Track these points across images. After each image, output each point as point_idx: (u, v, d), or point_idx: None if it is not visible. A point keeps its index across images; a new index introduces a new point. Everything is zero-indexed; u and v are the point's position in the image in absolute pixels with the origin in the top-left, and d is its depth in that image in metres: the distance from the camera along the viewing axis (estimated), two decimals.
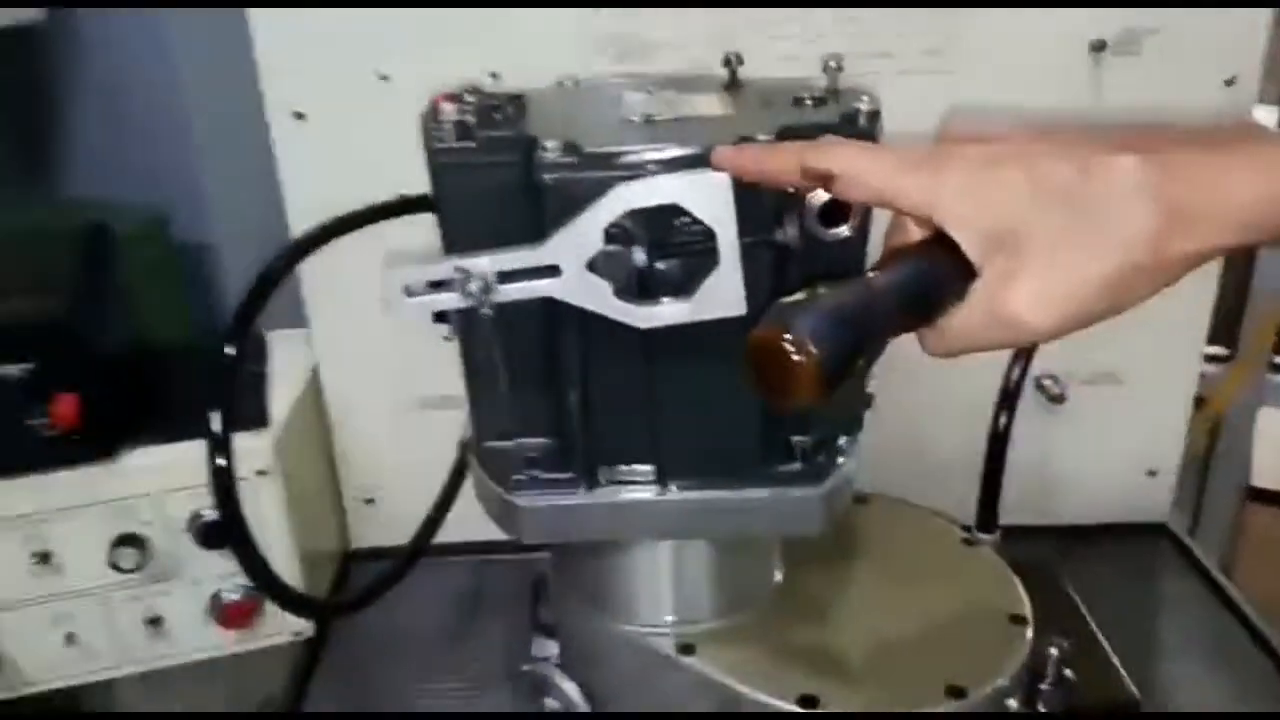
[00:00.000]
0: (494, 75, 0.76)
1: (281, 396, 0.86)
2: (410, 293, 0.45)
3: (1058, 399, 0.88)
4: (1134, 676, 0.70)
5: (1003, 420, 0.75)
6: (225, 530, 0.60)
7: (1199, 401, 1.25)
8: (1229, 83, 0.79)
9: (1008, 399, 0.75)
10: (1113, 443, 0.90)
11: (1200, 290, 0.86)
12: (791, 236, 0.44)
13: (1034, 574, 0.61)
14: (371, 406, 0.92)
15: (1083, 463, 0.91)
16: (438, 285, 0.46)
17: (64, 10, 1.11)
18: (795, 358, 0.35)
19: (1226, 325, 1.30)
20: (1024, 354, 0.75)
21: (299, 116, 0.81)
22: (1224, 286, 0.98)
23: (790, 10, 0.76)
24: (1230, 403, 1.33)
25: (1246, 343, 1.30)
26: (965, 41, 0.78)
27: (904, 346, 0.82)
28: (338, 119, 0.81)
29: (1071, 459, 0.91)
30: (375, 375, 0.91)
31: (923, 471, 0.70)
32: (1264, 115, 1.16)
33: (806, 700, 0.51)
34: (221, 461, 0.59)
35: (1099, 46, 0.78)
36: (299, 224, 0.82)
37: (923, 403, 0.83)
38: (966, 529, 0.67)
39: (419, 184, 0.62)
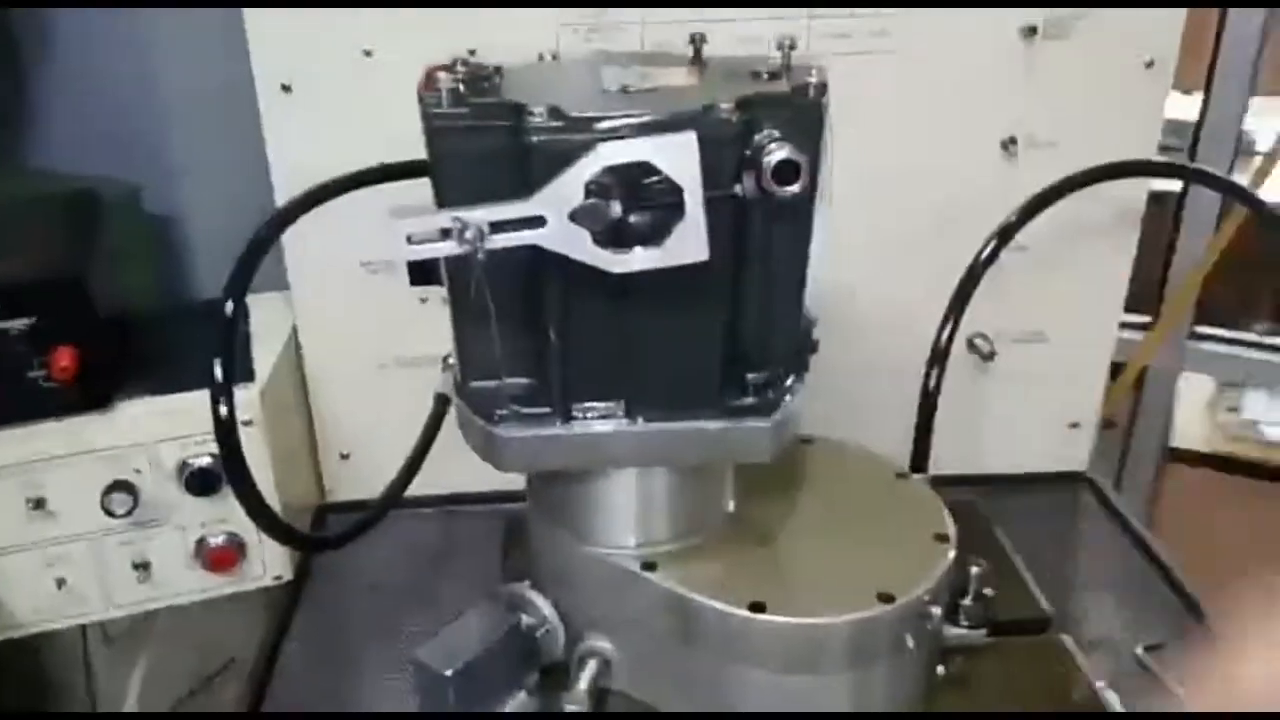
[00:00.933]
0: (471, 52, 0.81)
1: (263, 355, 0.91)
2: (412, 240, 0.50)
3: (988, 356, 0.95)
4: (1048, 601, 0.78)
5: (933, 376, 0.82)
6: (228, 470, 0.65)
7: (1122, 366, 1.35)
8: (1149, 65, 0.86)
9: (937, 357, 0.82)
10: (1038, 397, 0.98)
11: (1119, 256, 0.94)
12: (749, 190, 0.51)
13: (960, 513, 0.68)
14: (347, 366, 0.97)
15: (1010, 416, 0.98)
16: (431, 238, 0.51)
17: None
18: None
19: (1150, 294, 1.40)
20: (953, 315, 0.82)
21: (286, 89, 0.85)
22: (1149, 258, 1.06)
23: None
24: (1151, 366, 1.42)
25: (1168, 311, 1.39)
26: (911, 25, 0.84)
27: (843, 309, 0.89)
28: (322, 92, 0.85)
29: (999, 412, 0.98)
30: (351, 336, 0.95)
31: (861, 423, 0.77)
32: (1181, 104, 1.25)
33: (755, 606, 0.57)
34: (224, 409, 0.64)
35: (1030, 31, 0.85)
36: (284, 191, 0.87)
37: (861, 361, 0.90)
38: (899, 474, 0.74)
39: (398, 154, 0.68)
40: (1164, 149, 0.94)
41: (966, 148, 0.88)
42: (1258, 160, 1.42)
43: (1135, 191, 0.90)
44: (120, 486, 0.81)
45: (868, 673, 0.60)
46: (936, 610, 0.60)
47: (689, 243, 0.49)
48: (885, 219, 0.89)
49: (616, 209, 0.49)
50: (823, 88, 0.53)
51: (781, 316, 0.58)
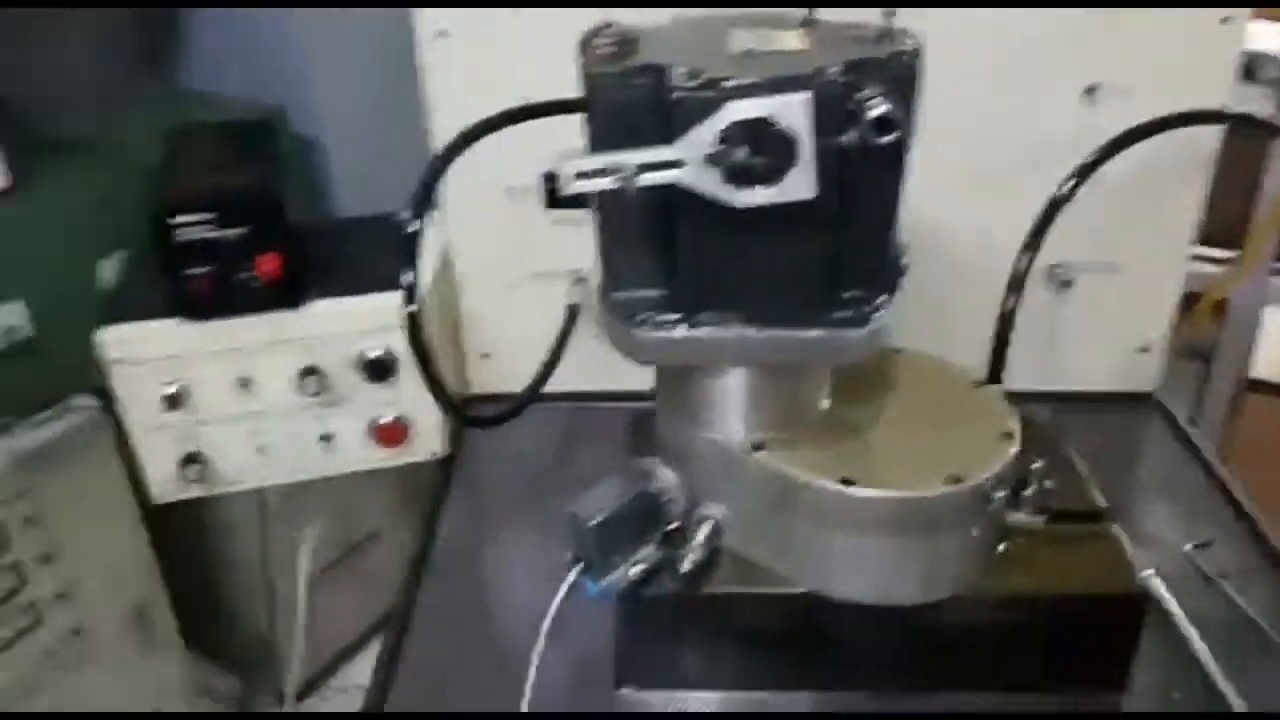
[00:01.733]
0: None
1: (423, 266, 1.05)
2: (579, 176, 0.63)
3: (1065, 284, 1.04)
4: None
5: (1011, 300, 0.92)
6: (417, 357, 0.79)
7: (1198, 298, 1.41)
8: (1224, 21, 0.92)
9: (1015, 282, 0.92)
10: (1110, 322, 1.06)
11: (1191, 191, 1.00)
12: (853, 140, 0.62)
13: (1030, 422, 0.78)
14: (490, 276, 1.10)
15: (1083, 338, 1.07)
16: (593, 174, 0.64)
17: None
18: None
19: (1232, 227, 1.45)
20: (1031, 246, 0.92)
21: (443, 34, 0.97)
22: (1230, 191, 1.13)
23: None
24: (1234, 299, 1.48)
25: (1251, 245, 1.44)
26: None
27: (936, 237, 0.99)
28: (478, 38, 0.96)
29: (1073, 335, 1.07)
30: (495, 251, 1.08)
31: (947, 337, 0.87)
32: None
33: (845, 481, 0.70)
34: (413, 308, 0.77)
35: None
36: (442, 131, 0.98)
37: (950, 283, 1.00)
38: (978, 383, 0.85)
39: (540, 95, 0.78)
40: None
41: (1050, 94, 0.96)
42: None
43: (1208, 134, 0.97)
44: (311, 371, 0.97)
45: (937, 542, 0.72)
46: (999, 494, 0.72)
47: (800, 183, 0.61)
48: (975, 158, 0.98)
49: (743, 153, 0.61)
50: (916, 53, 0.63)
51: (877, 244, 0.69)
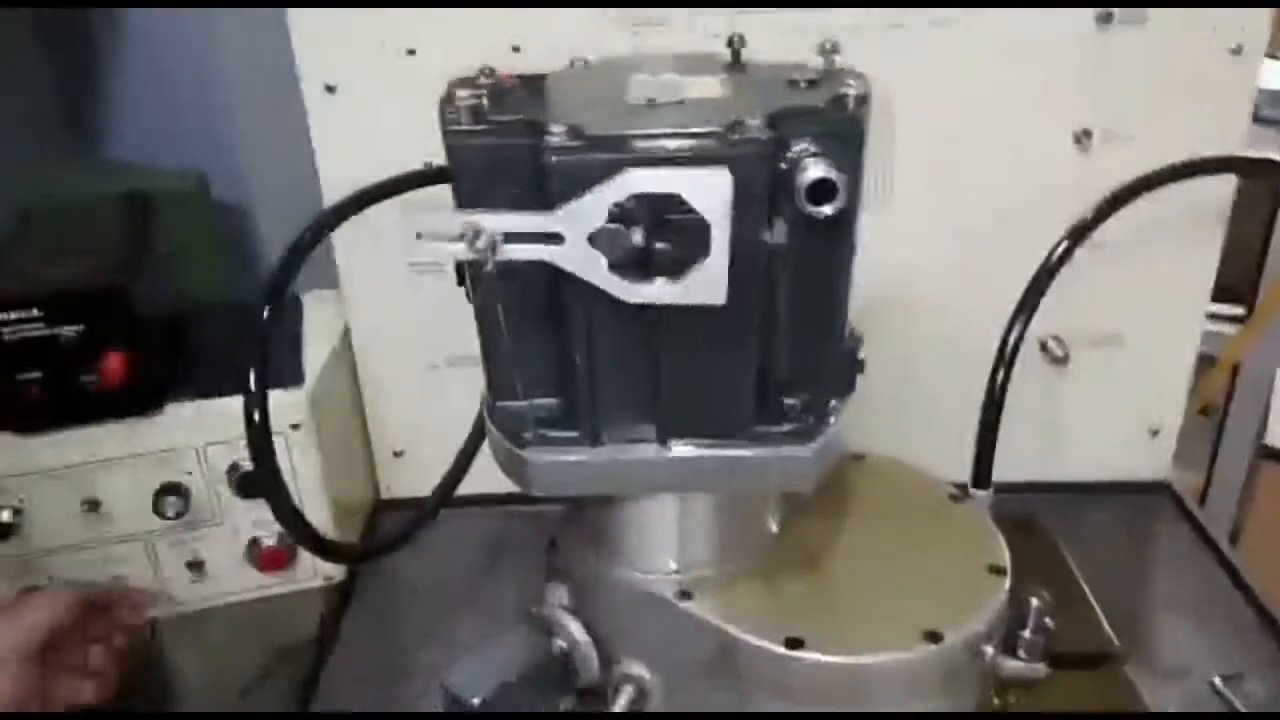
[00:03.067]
0: (515, 49, 0.79)
1: (315, 354, 0.91)
2: (422, 237, 0.48)
3: (1061, 360, 0.90)
4: (1119, 629, 0.74)
5: (999, 379, 0.78)
6: (260, 481, 0.65)
7: (1211, 360, 1.28)
8: (1234, 51, 0.80)
9: (1005, 360, 0.78)
10: (1114, 402, 0.93)
11: (1204, 252, 0.88)
12: (780, 238, 0.48)
13: (1024, 528, 0.64)
14: (400, 364, 0.97)
15: (1085, 421, 0.94)
16: (446, 236, 0.49)
17: None
18: None
19: (1244, 285, 1.32)
20: (1022, 316, 0.78)
21: (330, 89, 0.85)
22: (1242, 246, 1.00)
23: None
24: (1243, 362, 1.35)
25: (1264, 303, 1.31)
26: (972, 13, 0.80)
27: (905, 310, 0.85)
28: (366, 92, 0.84)
29: (1074, 417, 0.93)
30: (403, 334, 0.95)
31: (922, 428, 0.73)
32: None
33: (793, 642, 0.55)
34: (257, 417, 0.63)
35: (1105, 18, 0.80)
36: (331, 192, 0.86)
37: (923, 364, 0.86)
38: (961, 486, 0.71)
39: (441, 154, 0.66)
40: (1260, 120, 0.88)
41: (1036, 140, 0.83)
42: None
43: (1221, 185, 0.84)
44: (171, 489, 0.82)
45: (912, 711, 0.57)
46: (989, 649, 0.57)
47: (709, 283, 0.47)
48: (950, 215, 0.86)
49: (638, 237, 0.47)
50: (862, 99, 0.49)
51: (821, 338, 0.55)
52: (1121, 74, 0.81)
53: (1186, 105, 0.81)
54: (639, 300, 0.47)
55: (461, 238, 0.49)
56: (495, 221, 0.48)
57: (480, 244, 0.48)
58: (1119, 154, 0.81)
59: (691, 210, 0.46)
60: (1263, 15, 0.80)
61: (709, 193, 0.46)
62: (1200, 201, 0.84)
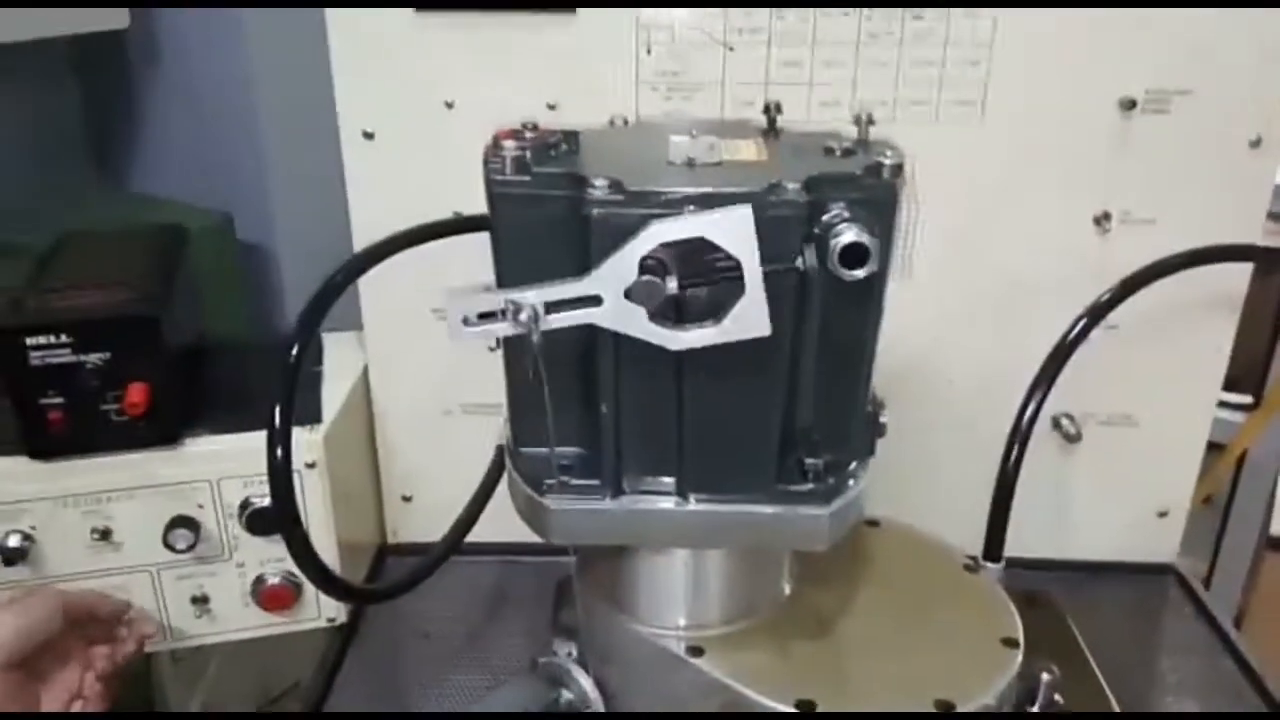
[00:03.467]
0: (551, 106, 0.81)
1: (332, 394, 0.91)
2: (467, 322, 0.49)
3: (1073, 438, 0.91)
4: (1126, 706, 0.73)
5: (1013, 456, 0.78)
6: (277, 517, 0.65)
7: (1220, 448, 1.28)
8: (1255, 144, 0.82)
9: (1019, 436, 0.78)
10: (1125, 483, 0.93)
11: (1217, 338, 0.89)
12: (811, 264, 0.49)
13: (1035, 604, 0.64)
14: (414, 408, 0.97)
15: (1095, 501, 0.94)
16: (491, 315, 0.50)
17: (146, 16, 1.18)
18: None
19: (1254, 374, 1.32)
20: (1038, 394, 0.79)
21: (368, 136, 0.86)
22: (1250, 336, 1.00)
23: (830, 52, 0.80)
24: (1251, 450, 1.35)
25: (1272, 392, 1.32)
26: (997, 93, 0.81)
27: (923, 382, 0.86)
28: (403, 140, 0.86)
29: (1084, 496, 0.93)
30: (420, 380, 0.96)
31: (936, 499, 0.73)
32: None
33: (804, 704, 0.54)
34: (279, 453, 0.63)
35: (1129, 104, 0.81)
36: (362, 236, 0.87)
37: (940, 436, 0.87)
38: (972, 558, 0.71)
39: (475, 205, 0.67)
40: (1274, 216, 0.89)
41: (1056, 221, 0.84)
42: None
43: (1237, 273, 0.85)
44: (182, 522, 0.82)
45: None
46: None
47: (750, 318, 0.47)
48: (970, 290, 0.86)
49: (672, 285, 0.48)
50: (897, 168, 0.50)
51: (845, 399, 0.55)
52: (1142, 160, 0.82)
53: (1205, 193, 0.82)
54: (680, 346, 0.48)
55: (504, 314, 0.49)
56: (534, 295, 0.49)
57: (523, 318, 0.49)
58: (1137, 237, 0.82)
59: (723, 252, 0.47)
60: None
61: (734, 229, 0.47)
62: (1216, 288, 0.85)
